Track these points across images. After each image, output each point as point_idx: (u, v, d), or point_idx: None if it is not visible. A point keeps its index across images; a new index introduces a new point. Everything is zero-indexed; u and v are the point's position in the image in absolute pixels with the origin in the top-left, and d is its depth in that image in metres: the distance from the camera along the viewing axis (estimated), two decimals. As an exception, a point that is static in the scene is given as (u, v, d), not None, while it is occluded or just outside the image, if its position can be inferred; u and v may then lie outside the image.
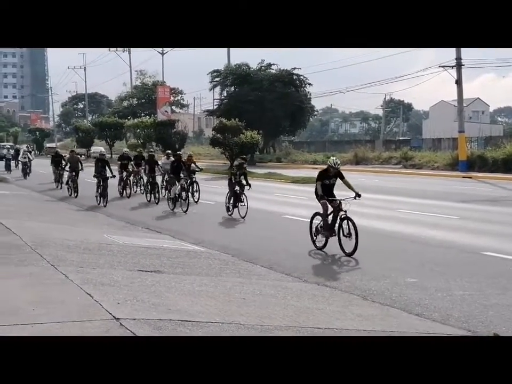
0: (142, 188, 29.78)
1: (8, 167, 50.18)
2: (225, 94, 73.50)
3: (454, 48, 44.02)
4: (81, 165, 31.08)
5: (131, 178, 30.06)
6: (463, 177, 39.84)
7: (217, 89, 75.15)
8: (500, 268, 12.67)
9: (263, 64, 72.72)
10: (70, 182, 30.02)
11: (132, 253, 13.32)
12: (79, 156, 33.66)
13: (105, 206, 25.31)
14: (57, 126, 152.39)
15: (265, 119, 64.82)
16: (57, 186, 34.31)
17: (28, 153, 45.00)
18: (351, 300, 10.39)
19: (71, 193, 29.62)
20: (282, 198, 28.28)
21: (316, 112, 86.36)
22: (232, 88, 72.49)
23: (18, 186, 35.78)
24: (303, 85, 71.58)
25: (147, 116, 78.05)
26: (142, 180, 30.34)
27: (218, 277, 11.59)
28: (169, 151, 32.72)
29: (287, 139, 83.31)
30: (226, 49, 75.09)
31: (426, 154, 53.27)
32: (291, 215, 20.86)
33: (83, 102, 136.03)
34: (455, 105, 53.16)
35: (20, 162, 44.76)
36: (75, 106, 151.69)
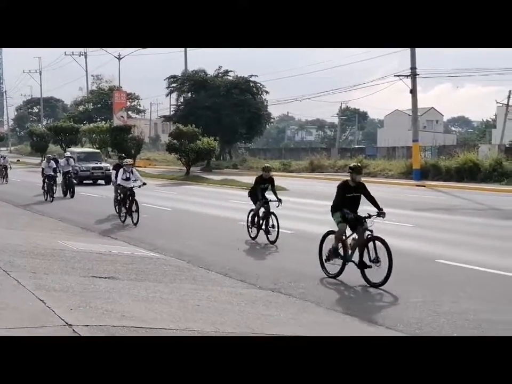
0: None
1: (51, 189, 30.17)
2: (182, 100, 73.35)
3: (409, 58, 44.50)
4: None
5: None
6: (417, 185, 40.24)
7: (174, 95, 75.03)
8: (453, 276, 12.83)
9: (220, 71, 72.79)
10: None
11: (85, 259, 13.20)
12: None
13: None
14: (12, 130, 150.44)
15: (221, 125, 64.85)
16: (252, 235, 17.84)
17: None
18: (305, 306, 10.44)
19: None
20: (238, 204, 28.25)
21: (272, 120, 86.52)
22: (189, 94, 72.38)
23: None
24: (260, 92, 71.75)
25: (103, 121, 77.49)
26: None
27: (172, 283, 11.56)
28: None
29: (244, 146, 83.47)
30: (183, 55, 74.99)
31: (380, 163, 53.66)
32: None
33: (38, 106, 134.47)
34: (410, 115, 53.76)
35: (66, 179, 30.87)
36: (30, 110, 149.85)
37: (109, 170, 31.24)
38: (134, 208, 21.11)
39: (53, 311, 7.96)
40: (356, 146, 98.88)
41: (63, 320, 7.49)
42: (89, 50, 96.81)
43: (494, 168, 40.64)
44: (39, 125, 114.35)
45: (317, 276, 12.79)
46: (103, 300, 9.16)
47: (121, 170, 22.15)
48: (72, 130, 75.93)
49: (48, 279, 10.52)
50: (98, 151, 51.25)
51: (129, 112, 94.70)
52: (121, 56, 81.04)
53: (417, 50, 44.48)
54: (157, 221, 22.31)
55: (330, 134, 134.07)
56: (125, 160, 23.13)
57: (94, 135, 66.50)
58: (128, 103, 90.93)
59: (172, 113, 76.88)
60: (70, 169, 31.91)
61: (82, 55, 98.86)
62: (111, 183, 25.14)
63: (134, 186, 21.71)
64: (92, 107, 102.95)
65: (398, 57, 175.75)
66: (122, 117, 69.24)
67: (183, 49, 74.74)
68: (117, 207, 22.91)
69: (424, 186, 39.50)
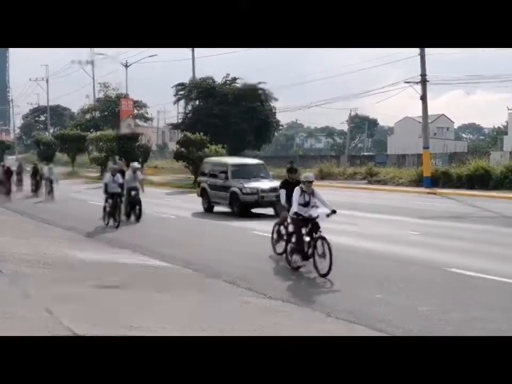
0: None
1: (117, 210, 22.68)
2: (189, 108, 73.30)
3: (419, 65, 44.40)
4: None
5: None
6: (428, 193, 40.03)
7: (182, 102, 74.91)
8: (462, 284, 12.71)
9: (227, 78, 72.81)
10: None
11: (93, 268, 13.18)
12: None
13: None
14: (18, 139, 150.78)
15: (230, 133, 64.78)
16: None
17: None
18: (314, 315, 10.34)
19: None
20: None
21: (281, 127, 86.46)
22: (197, 102, 72.33)
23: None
24: (268, 100, 71.76)
25: (110, 129, 77.60)
26: None
27: (180, 292, 11.50)
28: None
29: (252, 153, 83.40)
30: (191, 62, 75.04)
31: (391, 170, 53.48)
32: (259, 231, 20.68)
33: (45, 115, 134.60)
34: (420, 122, 53.62)
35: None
36: (36, 118, 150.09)
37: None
38: (321, 249, 13.18)
39: (60, 321, 7.92)
40: (366, 153, 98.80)
41: (70, 330, 7.44)
42: (96, 58, 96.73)
43: (505, 175, 40.32)
44: (46, 133, 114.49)
45: (326, 285, 12.70)
46: (110, 310, 9.12)
47: (297, 190, 13.89)
48: (79, 138, 76.08)
49: (55, 288, 10.49)
50: (262, 162, 31.55)
51: (137, 120, 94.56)
52: (128, 64, 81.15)
53: (427, 56, 44.32)
54: (162, 229, 22.20)
55: (339, 141, 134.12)
56: (305, 174, 14.37)
57: (101, 143, 66.52)
58: (136, 111, 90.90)
59: (179, 121, 76.89)
60: (137, 184, 24.22)
61: (89, 63, 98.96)
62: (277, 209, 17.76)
63: (317, 217, 13.89)
64: (99, 115, 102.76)
65: (408, 63, 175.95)
66: (129, 124, 69.19)
67: (190, 57, 74.75)
68: (288, 252, 14.49)
69: (435, 193, 39.30)
